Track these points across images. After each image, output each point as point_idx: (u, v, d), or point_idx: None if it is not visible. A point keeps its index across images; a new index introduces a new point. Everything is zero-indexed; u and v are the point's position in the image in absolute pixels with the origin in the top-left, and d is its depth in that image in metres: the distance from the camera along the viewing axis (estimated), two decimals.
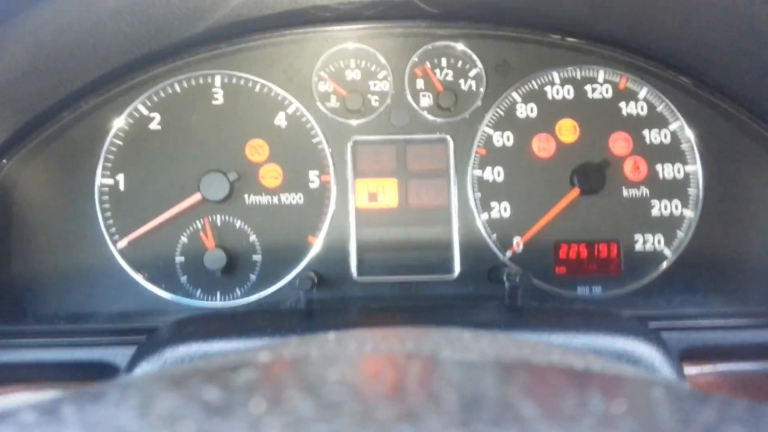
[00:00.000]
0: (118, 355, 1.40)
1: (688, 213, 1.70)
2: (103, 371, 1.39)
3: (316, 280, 1.56)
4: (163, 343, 1.23)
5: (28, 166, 1.64)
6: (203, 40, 1.66)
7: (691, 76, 1.72)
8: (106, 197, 1.66)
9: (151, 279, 1.65)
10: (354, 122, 1.72)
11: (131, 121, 1.68)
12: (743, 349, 1.43)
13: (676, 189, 1.71)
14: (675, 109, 1.72)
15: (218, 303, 1.66)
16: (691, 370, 1.36)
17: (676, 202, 1.71)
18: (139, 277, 1.65)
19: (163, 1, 1.37)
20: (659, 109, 1.73)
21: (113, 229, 1.66)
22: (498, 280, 1.62)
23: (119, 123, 1.68)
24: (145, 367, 1.21)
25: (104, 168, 1.67)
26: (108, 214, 1.66)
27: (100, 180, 1.66)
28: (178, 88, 1.70)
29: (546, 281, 1.68)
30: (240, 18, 1.58)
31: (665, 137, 1.72)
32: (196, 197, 1.64)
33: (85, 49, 1.47)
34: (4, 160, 1.60)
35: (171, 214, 1.64)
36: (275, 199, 1.69)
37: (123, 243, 1.65)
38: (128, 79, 1.67)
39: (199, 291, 1.66)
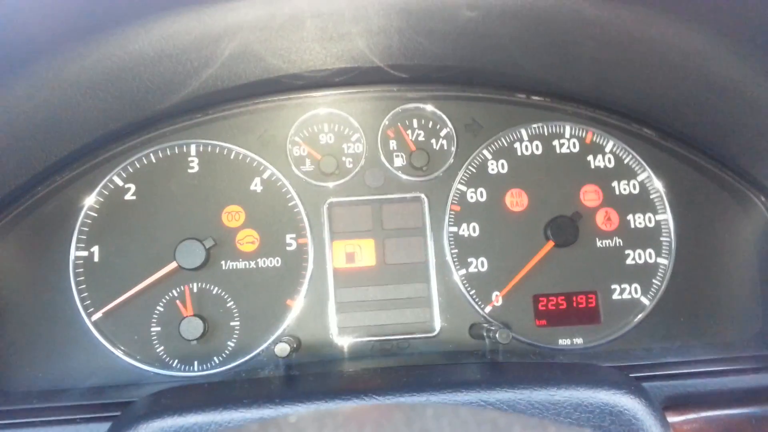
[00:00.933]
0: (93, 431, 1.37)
1: (663, 261, 1.73)
2: None
3: (295, 345, 1.54)
4: (138, 418, 1.20)
5: (1, 242, 1.63)
6: (178, 111, 1.70)
7: (655, 129, 1.77)
8: (80, 270, 1.65)
9: (126, 351, 1.62)
10: (329, 184, 1.74)
11: (106, 192, 1.69)
12: (725, 395, 1.42)
13: (648, 238, 1.73)
14: (642, 161, 1.77)
15: (195, 373, 1.63)
16: (675, 418, 1.35)
17: (650, 250, 1.73)
18: (114, 350, 1.62)
19: (136, 75, 1.40)
20: (626, 161, 1.77)
21: (88, 302, 1.64)
22: (479, 336, 1.61)
23: (94, 195, 1.68)
24: None
25: (78, 240, 1.66)
26: (82, 286, 1.64)
27: (75, 253, 1.65)
28: (153, 159, 1.72)
29: (527, 335, 1.68)
30: (213, 88, 1.61)
31: (634, 188, 1.76)
32: (172, 266, 1.64)
33: (59, 126, 1.48)
34: None
35: (146, 284, 1.63)
36: (252, 264, 1.68)
37: (98, 315, 1.63)
38: (103, 152, 1.69)
39: (175, 361, 1.63)
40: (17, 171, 1.54)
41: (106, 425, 1.30)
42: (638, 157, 1.77)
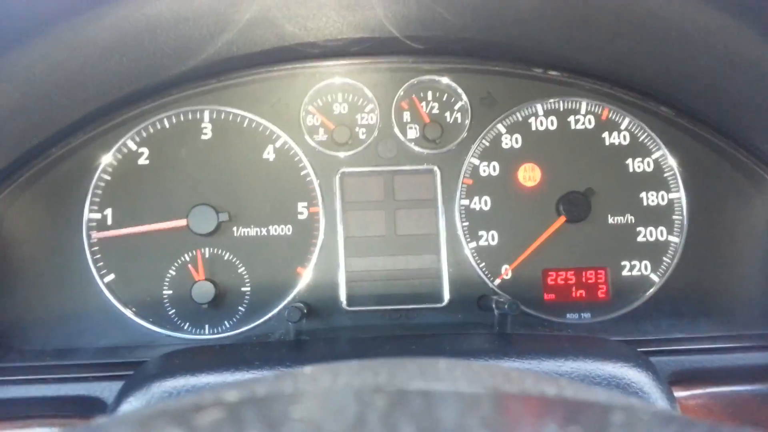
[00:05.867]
0: (105, 389, 1.39)
1: (674, 239, 1.72)
2: (90, 406, 1.37)
3: (305, 311, 1.56)
4: (150, 377, 1.22)
5: (16, 202, 1.64)
6: (192, 77, 1.69)
7: (671, 107, 1.76)
8: (93, 232, 1.66)
9: (138, 313, 1.65)
10: (342, 154, 1.74)
11: (120, 156, 1.70)
12: (731, 372, 1.43)
13: (660, 216, 1.73)
14: (657, 139, 1.76)
15: (206, 336, 1.65)
16: (681, 393, 1.36)
17: (662, 228, 1.73)
18: (126, 311, 1.64)
19: (152, 38, 1.40)
20: (641, 138, 1.76)
21: (101, 264, 1.65)
22: (487, 307, 1.62)
23: (108, 158, 1.69)
24: (132, 402, 1.20)
25: (92, 203, 1.67)
26: (96, 248, 1.66)
27: (88, 215, 1.67)
28: (167, 124, 1.72)
29: (535, 308, 1.69)
30: (229, 55, 1.61)
31: (648, 166, 1.75)
32: (182, 222, 1.65)
33: (75, 87, 1.49)
34: None
35: (155, 228, 1.65)
36: (264, 231, 1.69)
37: (110, 277, 1.65)
38: (117, 115, 1.69)
39: (187, 324, 1.65)
40: (32, 131, 1.54)
41: (119, 384, 1.32)
42: (654, 135, 1.76)
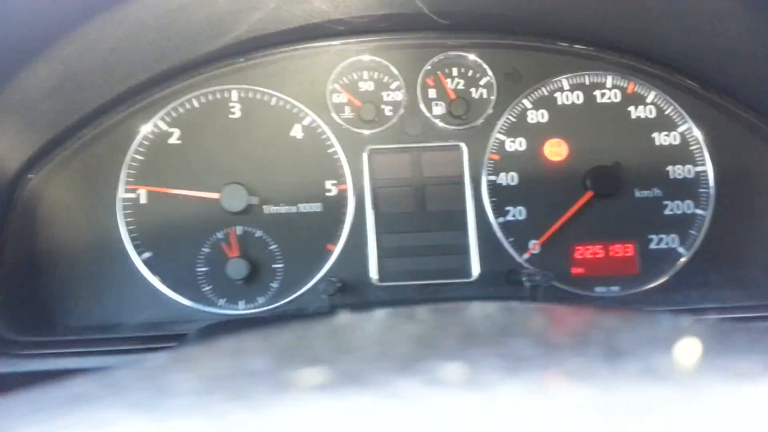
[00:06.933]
0: None
1: (701, 212, 1.73)
2: None
3: (339, 285, 1.58)
4: (201, 340, 1.25)
5: (52, 181, 1.67)
6: (220, 56, 1.71)
7: (697, 80, 1.76)
8: (129, 211, 1.69)
9: (175, 289, 1.67)
10: (368, 132, 1.75)
11: (151, 136, 1.72)
12: None
13: (687, 189, 1.74)
14: (683, 112, 1.76)
15: (241, 311, 1.68)
16: None
17: (689, 201, 1.74)
18: (163, 288, 1.67)
19: (186, 16, 1.42)
20: (667, 112, 1.77)
21: (138, 242, 1.68)
22: (516, 281, 1.64)
23: (140, 138, 1.71)
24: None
25: (126, 183, 1.70)
26: (132, 227, 1.68)
27: (123, 194, 1.69)
28: (196, 104, 1.74)
29: (563, 282, 1.70)
30: (257, 33, 1.62)
31: (675, 139, 1.76)
32: (215, 195, 1.67)
33: (109, 66, 1.51)
34: (30, 175, 1.63)
35: (187, 194, 1.69)
36: (293, 209, 1.71)
37: (147, 255, 1.68)
38: (148, 95, 1.71)
39: (222, 300, 1.68)
40: (67, 111, 1.57)
41: None
42: (679, 108, 1.76)
